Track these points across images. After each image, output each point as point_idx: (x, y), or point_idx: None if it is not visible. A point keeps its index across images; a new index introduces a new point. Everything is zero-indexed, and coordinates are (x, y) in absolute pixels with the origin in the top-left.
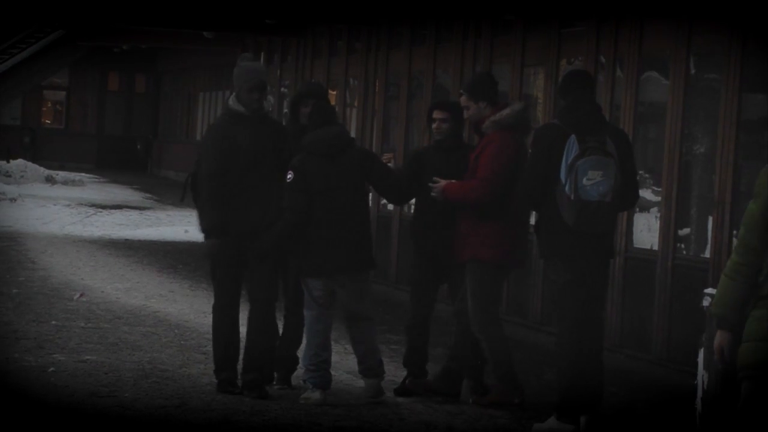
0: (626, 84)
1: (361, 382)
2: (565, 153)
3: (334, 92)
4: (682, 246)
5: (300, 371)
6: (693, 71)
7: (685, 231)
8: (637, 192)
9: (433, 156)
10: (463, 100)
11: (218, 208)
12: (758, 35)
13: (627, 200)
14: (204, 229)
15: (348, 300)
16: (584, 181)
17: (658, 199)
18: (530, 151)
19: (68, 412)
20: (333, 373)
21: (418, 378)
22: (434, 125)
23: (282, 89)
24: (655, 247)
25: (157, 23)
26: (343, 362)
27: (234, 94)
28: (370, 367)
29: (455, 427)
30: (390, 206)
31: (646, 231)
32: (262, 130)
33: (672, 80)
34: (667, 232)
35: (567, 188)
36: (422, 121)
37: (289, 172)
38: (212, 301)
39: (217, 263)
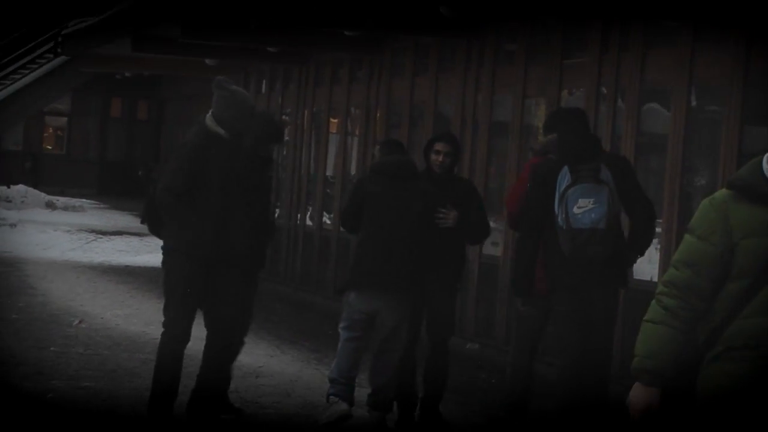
0: (627, 115)
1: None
2: (557, 184)
3: (336, 120)
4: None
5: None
6: (694, 103)
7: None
8: (647, 214)
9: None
10: (541, 137)
11: (189, 220)
12: (760, 68)
13: (639, 226)
14: (176, 244)
15: (387, 323)
16: (575, 209)
17: (659, 230)
18: (527, 186)
19: None
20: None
21: (408, 406)
22: (438, 158)
23: (284, 117)
24: (655, 279)
25: (164, 51)
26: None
27: (212, 113)
28: (382, 401)
29: None
30: None
31: (646, 262)
32: (238, 153)
33: (673, 111)
34: (667, 264)
35: (560, 218)
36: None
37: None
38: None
39: (172, 287)
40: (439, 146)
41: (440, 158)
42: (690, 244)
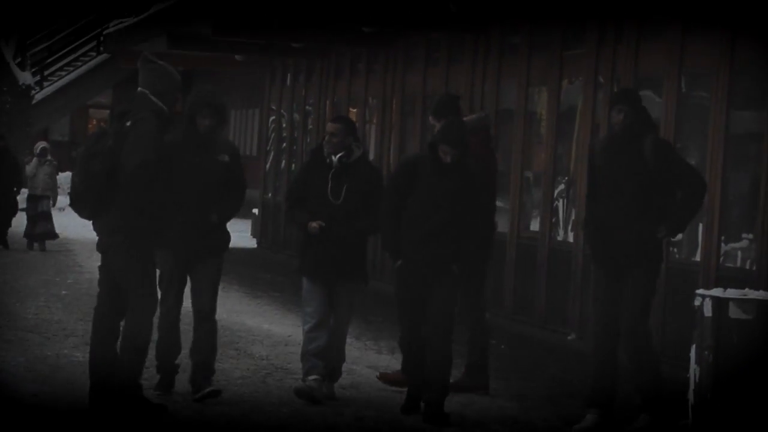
0: None
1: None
2: None
3: (355, 110)
4: (675, 250)
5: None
6: (684, 90)
7: (678, 236)
8: None
9: (430, 173)
10: (431, 119)
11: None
12: (745, 56)
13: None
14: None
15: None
16: None
17: None
18: None
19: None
20: (354, 367)
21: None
22: (446, 158)
23: (307, 107)
24: None
25: (197, 48)
26: (364, 357)
27: (149, 91)
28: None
29: (468, 417)
30: None
31: None
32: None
33: (665, 98)
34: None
35: None
36: None
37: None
38: (244, 303)
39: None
40: (444, 148)
41: (447, 158)
42: None
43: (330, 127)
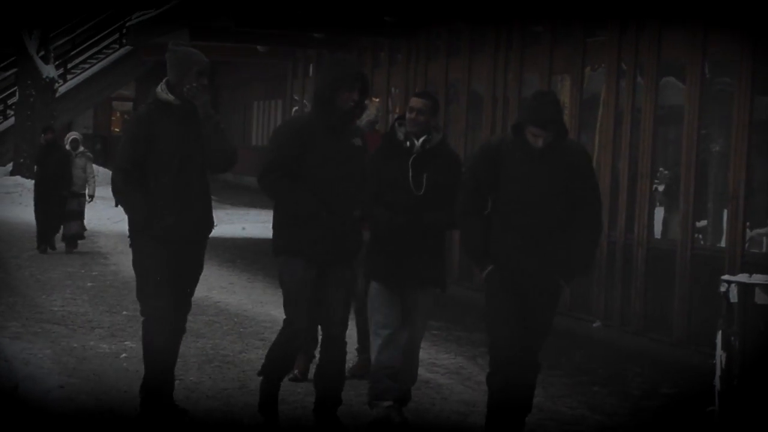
0: (646, 89)
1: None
2: None
3: (377, 100)
4: (700, 237)
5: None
6: (708, 76)
7: (703, 223)
8: None
9: (519, 163)
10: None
11: (141, 200)
12: None
13: None
14: (138, 224)
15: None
16: None
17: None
18: None
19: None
20: None
21: None
22: (537, 141)
23: None
24: (676, 238)
25: (219, 40)
26: None
27: (165, 81)
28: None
29: None
30: None
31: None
32: (193, 123)
33: (688, 85)
34: (686, 225)
35: None
36: (459, 127)
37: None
38: (269, 293)
39: (149, 269)
40: (533, 131)
41: (539, 142)
42: None
43: (416, 102)
